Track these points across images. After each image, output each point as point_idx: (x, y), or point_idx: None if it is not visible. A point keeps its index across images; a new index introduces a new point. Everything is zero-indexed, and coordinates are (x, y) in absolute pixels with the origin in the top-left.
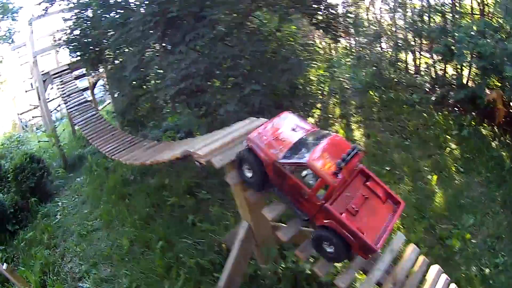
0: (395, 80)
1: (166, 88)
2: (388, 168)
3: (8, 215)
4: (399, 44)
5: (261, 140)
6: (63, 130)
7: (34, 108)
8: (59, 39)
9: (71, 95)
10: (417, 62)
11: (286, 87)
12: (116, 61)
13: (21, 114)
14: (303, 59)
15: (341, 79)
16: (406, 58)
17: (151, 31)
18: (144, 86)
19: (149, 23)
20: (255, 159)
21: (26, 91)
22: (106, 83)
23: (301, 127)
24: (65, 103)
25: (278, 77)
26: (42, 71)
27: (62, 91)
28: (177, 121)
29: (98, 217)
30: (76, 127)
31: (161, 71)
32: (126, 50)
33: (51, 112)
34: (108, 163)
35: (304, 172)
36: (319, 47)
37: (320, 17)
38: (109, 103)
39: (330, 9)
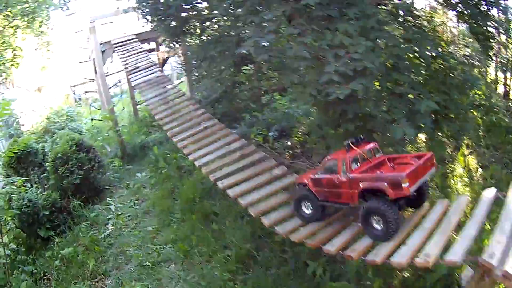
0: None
1: (326, 85)
2: None
3: (41, 218)
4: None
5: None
6: (123, 109)
7: (89, 81)
8: None
9: (139, 67)
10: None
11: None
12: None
13: (74, 86)
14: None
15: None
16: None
17: None
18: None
19: None
20: (308, 192)
21: (79, 62)
22: (183, 62)
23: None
24: (128, 75)
25: (447, 94)
26: (101, 41)
27: (125, 62)
28: (265, 115)
29: (170, 242)
30: (140, 107)
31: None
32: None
33: (109, 88)
34: (182, 159)
35: None
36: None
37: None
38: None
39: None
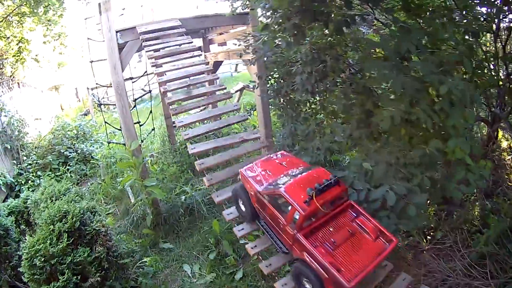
0: None
1: None
2: None
3: None
4: None
5: (250, 174)
6: (152, 130)
7: (106, 86)
8: None
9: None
10: None
11: None
12: None
13: (92, 89)
14: None
15: None
16: None
17: None
18: None
19: None
20: (245, 193)
21: (90, 62)
22: (261, 73)
23: (292, 163)
24: (163, 92)
25: None
26: (120, 28)
27: (159, 68)
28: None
29: None
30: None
31: None
32: None
33: (135, 100)
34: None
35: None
36: None
37: None
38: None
39: None
